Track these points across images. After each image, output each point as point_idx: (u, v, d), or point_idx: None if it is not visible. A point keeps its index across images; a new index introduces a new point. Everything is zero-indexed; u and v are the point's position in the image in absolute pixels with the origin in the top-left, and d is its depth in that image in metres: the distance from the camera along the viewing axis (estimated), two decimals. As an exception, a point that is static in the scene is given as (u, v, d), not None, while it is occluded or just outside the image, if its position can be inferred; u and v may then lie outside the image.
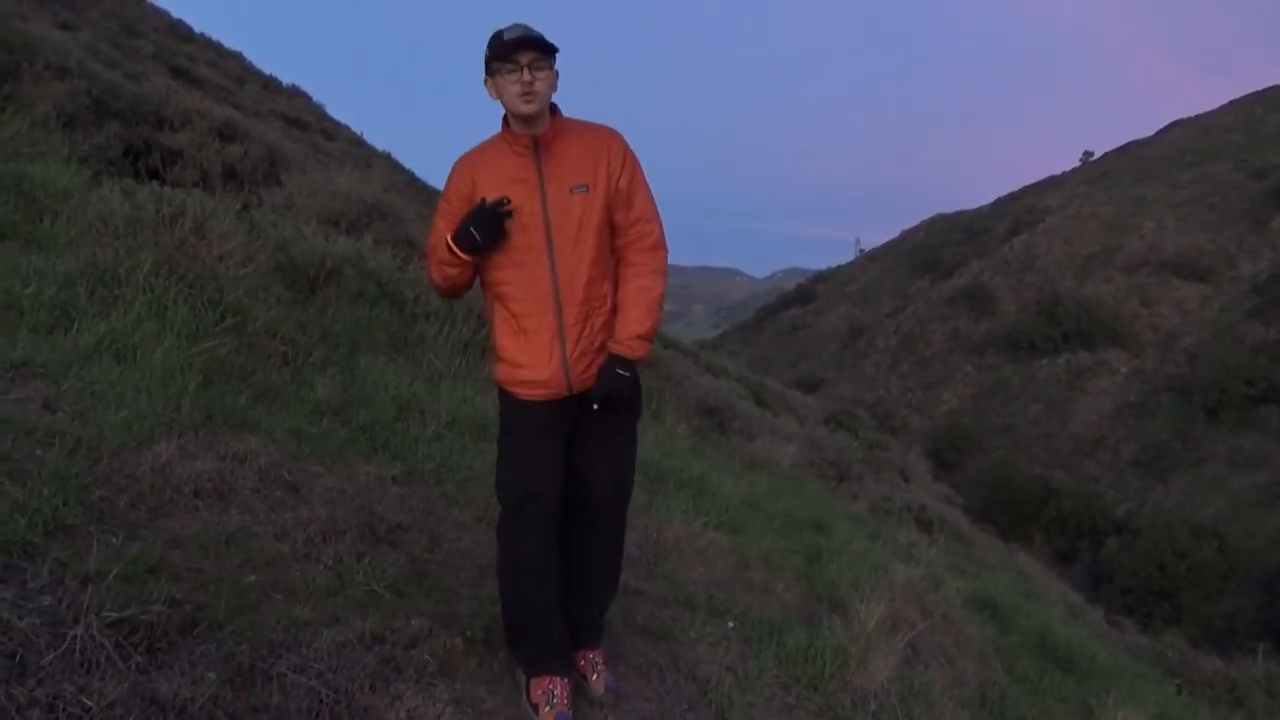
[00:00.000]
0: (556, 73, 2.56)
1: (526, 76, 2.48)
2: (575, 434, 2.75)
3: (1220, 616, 31.14)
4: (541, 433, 2.69)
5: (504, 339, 2.68)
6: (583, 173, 2.60)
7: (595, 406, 2.65)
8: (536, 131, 2.57)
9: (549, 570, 2.77)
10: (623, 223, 2.67)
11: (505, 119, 2.62)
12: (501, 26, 2.52)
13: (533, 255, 2.59)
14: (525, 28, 2.49)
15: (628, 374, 2.65)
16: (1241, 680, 9.78)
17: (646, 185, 2.72)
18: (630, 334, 2.64)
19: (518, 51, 2.47)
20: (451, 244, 2.57)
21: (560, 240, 2.59)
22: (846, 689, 3.51)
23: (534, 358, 2.63)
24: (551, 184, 2.58)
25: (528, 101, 2.50)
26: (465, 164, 2.65)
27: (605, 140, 2.66)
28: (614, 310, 2.68)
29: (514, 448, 2.72)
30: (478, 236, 2.54)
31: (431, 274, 2.74)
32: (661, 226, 2.73)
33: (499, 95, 2.55)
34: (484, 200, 2.56)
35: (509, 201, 2.55)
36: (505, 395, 2.73)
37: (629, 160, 2.67)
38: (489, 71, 2.53)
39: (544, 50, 2.50)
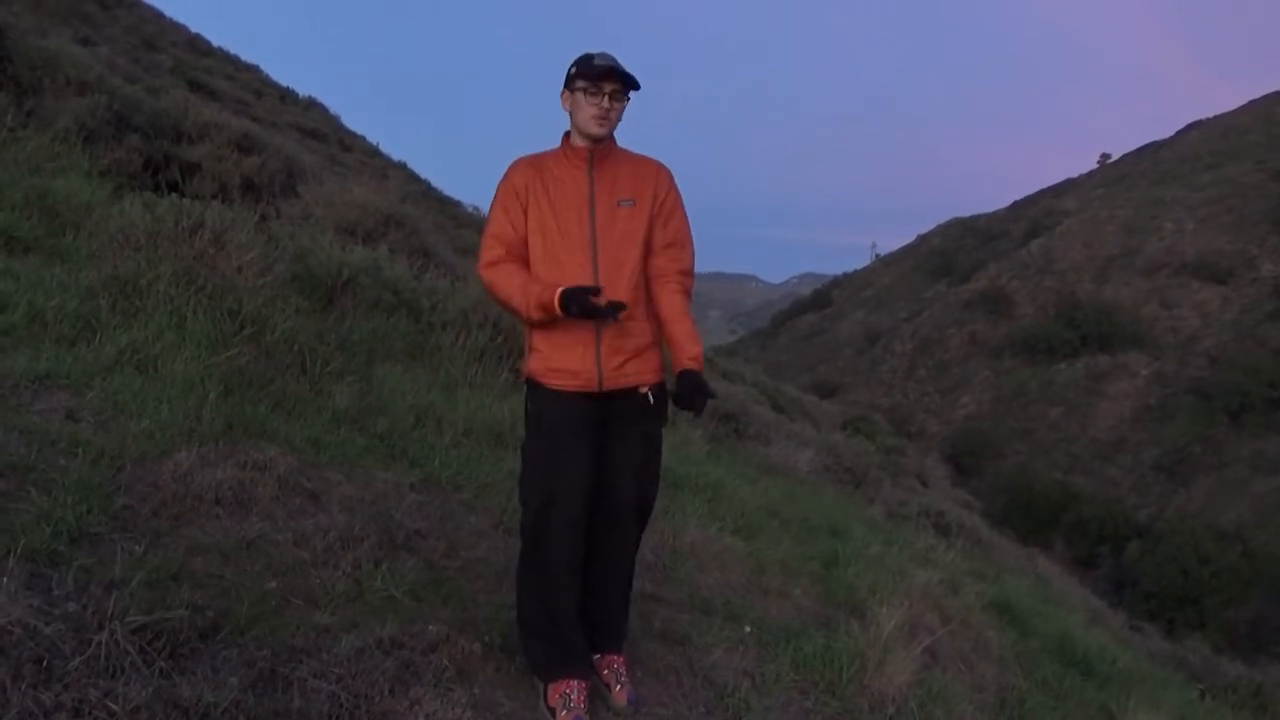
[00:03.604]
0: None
1: (606, 104, 2.68)
2: (605, 439, 2.78)
3: (1244, 622, 30.82)
4: (571, 432, 2.71)
5: (539, 331, 2.75)
6: (631, 190, 2.78)
7: (678, 403, 2.70)
8: (594, 147, 2.75)
9: (572, 574, 2.79)
10: (658, 243, 2.82)
11: (566, 135, 2.79)
12: (591, 51, 2.71)
13: (578, 258, 2.71)
14: (613, 59, 2.66)
15: (696, 384, 2.70)
16: (1266, 685, 9.67)
17: (685, 215, 2.90)
18: (693, 354, 2.73)
19: (605, 80, 2.66)
20: (558, 306, 2.60)
21: (605, 247, 2.72)
22: (864, 694, 3.49)
23: (568, 352, 2.71)
24: (600, 196, 2.75)
25: (601, 125, 2.70)
26: (521, 172, 2.76)
27: (655, 168, 2.87)
28: (650, 320, 2.81)
29: (541, 449, 2.74)
30: (572, 308, 2.60)
31: (494, 289, 2.73)
32: (693, 255, 2.90)
33: (573, 110, 2.73)
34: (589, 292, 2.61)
35: (600, 292, 2.63)
36: (536, 391, 2.76)
37: (674, 189, 2.87)
38: (570, 87, 2.71)
39: (627, 84, 2.69)
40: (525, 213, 2.72)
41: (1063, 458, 48.32)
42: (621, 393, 2.76)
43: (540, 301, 2.62)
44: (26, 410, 3.27)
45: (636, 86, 2.69)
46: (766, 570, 4.54)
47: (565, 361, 2.71)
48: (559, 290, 2.60)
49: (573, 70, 2.70)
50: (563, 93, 2.75)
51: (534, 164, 2.77)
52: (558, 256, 2.70)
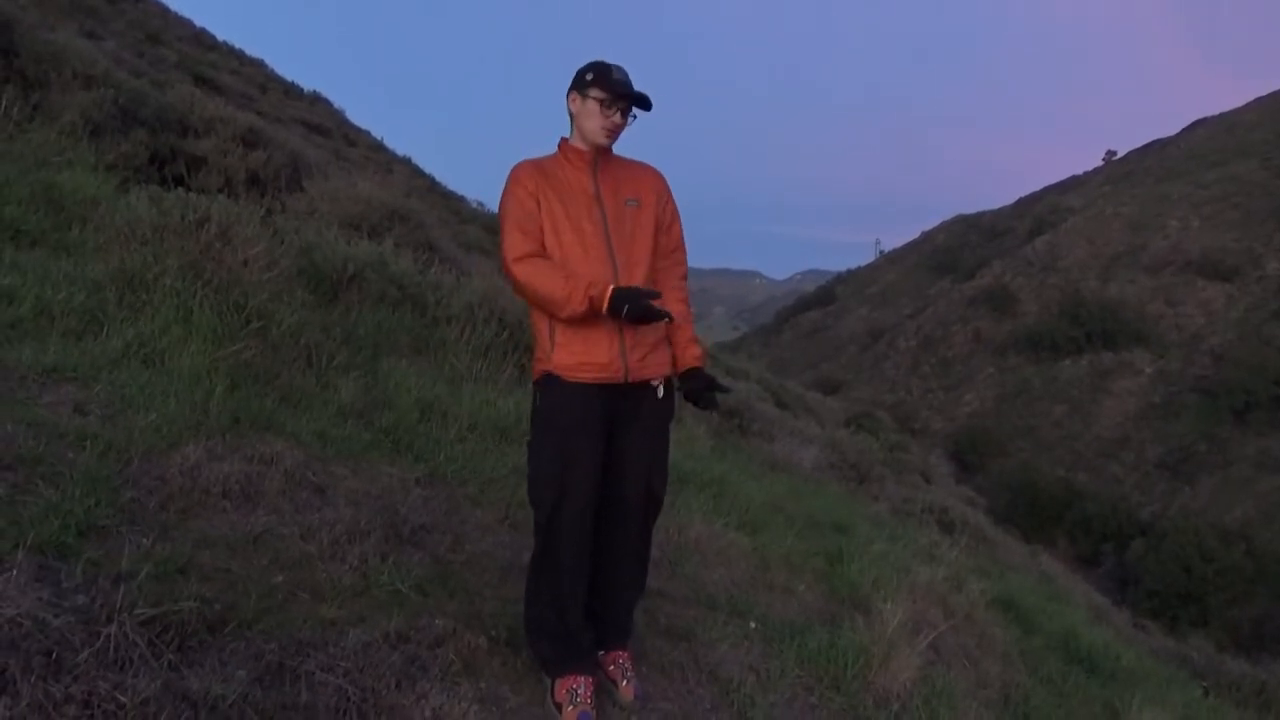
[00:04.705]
0: None
1: (618, 119, 2.76)
2: (613, 434, 2.80)
3: (1248, 620, 30.79)
4: (583, 426, 2.72)
5: (563, 327, 2.75)
6: (633, 191, 2.86)
7: (695, 402, 2.88)
8: (596, 152, 2.81)
9: (581, 569, 2.81)
10: (664, 247, 2.93)
11: (563, 141, 2.85)
12: (608, 61, 2.76)
13: (596, 253, 2.74)
14: (628, 77, 2.74)
15: (707, 381, 2.88)
16: (1270, 683, 9.66)
17: (680, 221, 3.01)
18: (696, 355, 2.92)
19: (621, 98, 2.73)
20: (606, 305, 2.64)
21: (619, 243, 2.77)
22: (869, 689, 3.50)
23: (595, 346, 2.72)
24: (606, 195, 2.80)
25: (609, 138, 2.79)
26: (528, 173, 2.78)
27: (654, 173, 2.97)
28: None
29: (555, 442, 2.74)
30: (623, 307, 2.64)
31: (532, 283, 2.69)
32: (686, 259, 3.03)
33: (581, 115, 2.78)
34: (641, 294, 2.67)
35: (660, 295, 2.74)
36: (552, 386, 2.75)
37: (671, 196, 3.00)
38: (582, 92, 2.75)
39: (639, 104, 2.77)
40: (539, 210, 2.73)
41: (1066, 455, 48.26)
42: (638, 386, 2.80)
43: (590, 296, 2.64)
44: (34, 403, 3.28)
45: (649, 108, 2.76)
46: (771, 566, 4.55)
47: (593, 355, 2.72)
48: (611, 287, 2.64)
49: (589, 77, 2.73)
50: (571, 93, 2.78)
51: (538, 167, 2.80)
52: (574, 254, 2.71)
